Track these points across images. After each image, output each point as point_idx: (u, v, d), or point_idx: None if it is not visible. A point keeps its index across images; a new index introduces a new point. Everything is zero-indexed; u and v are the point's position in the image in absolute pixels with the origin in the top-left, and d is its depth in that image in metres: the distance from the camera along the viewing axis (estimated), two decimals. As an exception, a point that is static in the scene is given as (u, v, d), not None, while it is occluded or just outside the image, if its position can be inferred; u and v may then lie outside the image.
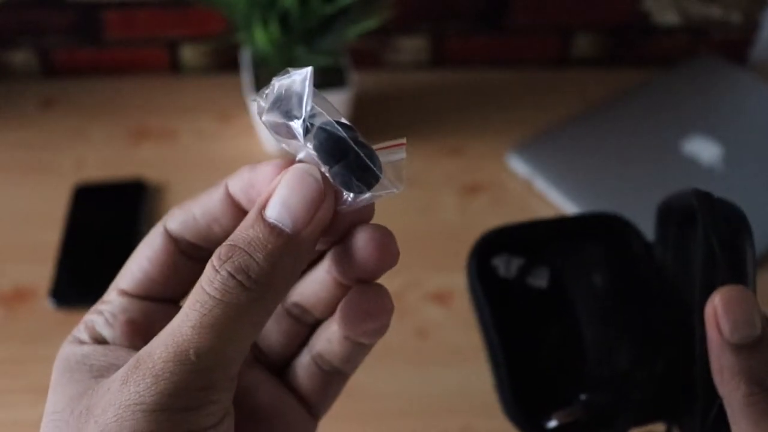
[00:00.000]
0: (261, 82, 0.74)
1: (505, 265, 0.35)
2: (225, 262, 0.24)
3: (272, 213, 0.25)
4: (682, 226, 0.32)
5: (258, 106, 0.26)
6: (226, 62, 0.88)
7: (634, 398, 0.32)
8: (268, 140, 0.77)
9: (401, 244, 0.26)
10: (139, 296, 0.29)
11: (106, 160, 0.77)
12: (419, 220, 0.71)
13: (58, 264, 0.66)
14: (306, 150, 0.25)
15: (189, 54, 0.88)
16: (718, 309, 0.28)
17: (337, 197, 0.26)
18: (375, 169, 0.25)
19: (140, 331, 0.28)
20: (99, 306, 0.29)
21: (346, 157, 0.25)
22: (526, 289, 0.35)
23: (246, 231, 0.25)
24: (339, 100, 0.73)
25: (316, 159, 0.25)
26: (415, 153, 0.78)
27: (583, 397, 0.32)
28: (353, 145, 0.25)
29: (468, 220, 0.72)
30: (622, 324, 0.34)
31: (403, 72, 0.90)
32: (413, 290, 0.65)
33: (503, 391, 0.33)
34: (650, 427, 0.33)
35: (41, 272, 0.66)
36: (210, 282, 0.24)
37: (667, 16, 0.89)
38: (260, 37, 0.67)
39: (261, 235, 0.24)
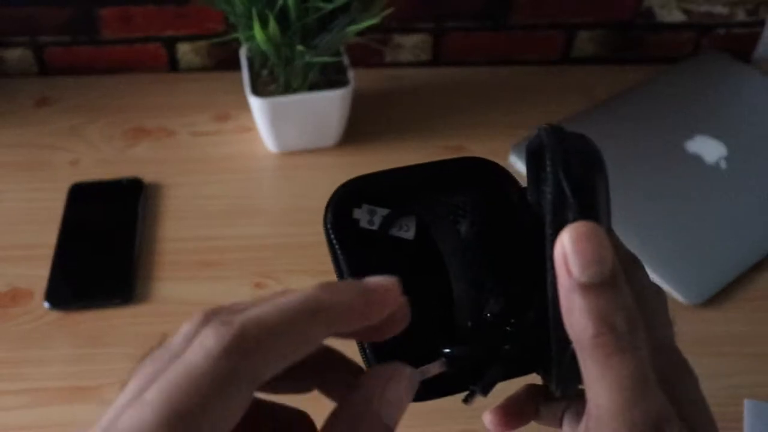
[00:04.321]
0: (259, 80, 0.73)
1: (368, 217, 0.32)
2: None
3: None
4: (541, 166, 0.30)
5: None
6: (224, 60, 0.87)
7: (504, 350, 0.30)
8: (266, 139, 0.76)
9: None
10: None
11: (102, 159, 0.76)
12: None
13: (54, 265, 0.65)
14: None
15: (187, 52, 0.87)
16: (567, 247, 0.26)
17: None
18: None
19: None
20: None
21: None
22: (392, 241, 0.32)
23: None
24: (339, 98, 0.73)
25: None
26: (415, 152, 0.78)
27: (447, 350, 0.30)
28: None
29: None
30: (491, 274, 0.32)
31: (404, 70, 0.89)
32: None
33: (363, 351, 0.31)
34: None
35: (37, 273, 0.65)
36: None
37: (671, 13, 0.88)
38: (259, 36, 0.66)
39: None
